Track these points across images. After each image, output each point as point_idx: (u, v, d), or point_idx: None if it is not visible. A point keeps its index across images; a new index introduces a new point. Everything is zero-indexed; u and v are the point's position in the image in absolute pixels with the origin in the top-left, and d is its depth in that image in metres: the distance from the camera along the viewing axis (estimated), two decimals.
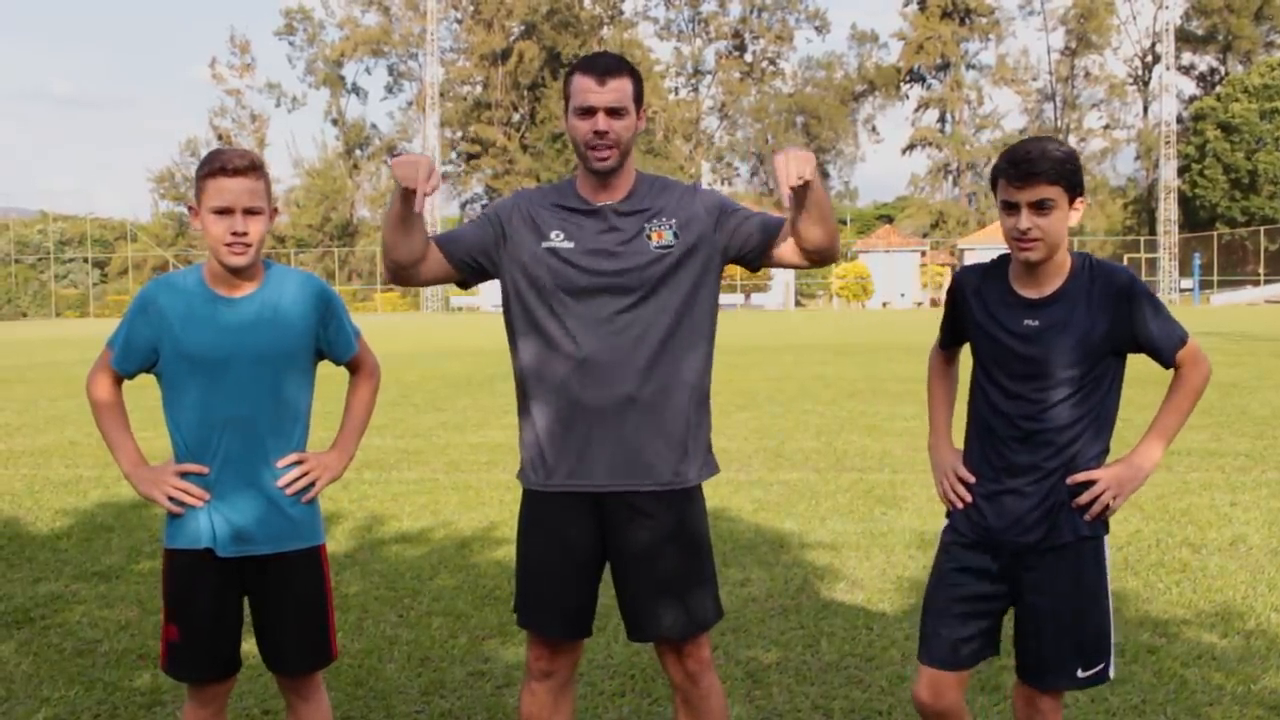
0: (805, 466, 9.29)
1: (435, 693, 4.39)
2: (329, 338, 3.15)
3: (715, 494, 7.79)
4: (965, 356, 3.24)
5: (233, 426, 3.00)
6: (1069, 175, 2.81)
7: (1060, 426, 2.90)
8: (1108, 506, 2.93)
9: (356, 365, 3.28)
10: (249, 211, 2.93)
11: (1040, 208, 2.80)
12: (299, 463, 3.09)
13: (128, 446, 3.13)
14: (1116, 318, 2.88)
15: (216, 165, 2.92)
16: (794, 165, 2.82)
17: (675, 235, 3.02)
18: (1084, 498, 2.91)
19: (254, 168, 2.94)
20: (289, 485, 3.06)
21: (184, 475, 3.03)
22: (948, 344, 3.26)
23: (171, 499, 3.02)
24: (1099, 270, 2.92)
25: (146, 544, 6.73)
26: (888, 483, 8.42)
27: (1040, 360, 2.88)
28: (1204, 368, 2.98)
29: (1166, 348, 2.93)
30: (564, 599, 3.10)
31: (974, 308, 3.03)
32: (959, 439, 3.18)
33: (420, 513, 7.64)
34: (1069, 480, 2.92)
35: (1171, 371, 3.01)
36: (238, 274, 3.01)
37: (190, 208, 3.02)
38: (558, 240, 3.02)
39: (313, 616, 3.14)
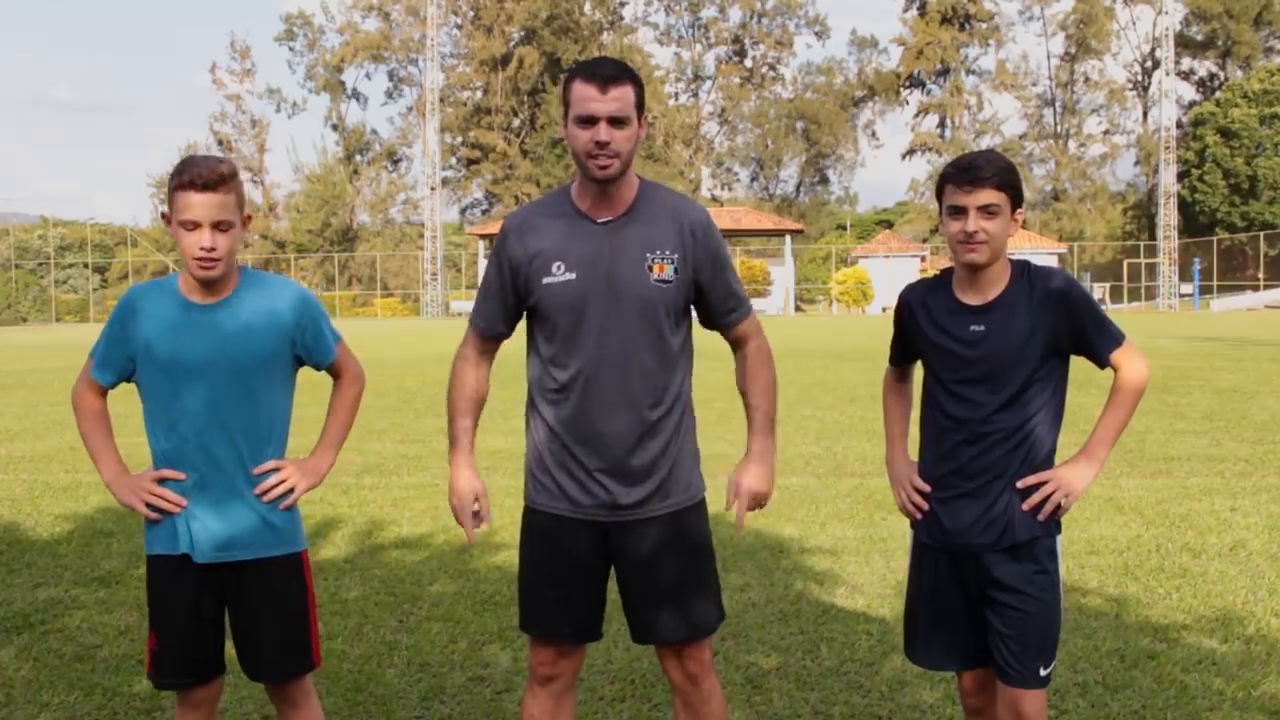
0: (805, 472, 9.29)
1: (435, 698, 4.39)
2: (307, 344, 3.14)
3: (715, 499, 7.78)
4: (918, 371, 3.31)
5: (210, 433, 3.00)
6: (1012, 184, 2.98)
7: (1010, 429, 3.00)
8: (1059, 506, 3.02)
9: (338, 371, 3.27)
10: (219, 227, 2.92)
11: (987, 212, 2.95)
12: (277, 470, 3.09)
13: (109, 456, 3.14)
14: (1056, 319, 2.99)
15: (185, 179, 2.89)
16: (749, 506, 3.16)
17: (675, 270, 3.01)
18: (1034, 499, 3.01)
19: (225, 181, 2.91)
20: (266, 492, 3.06)
21: (162, 482, 3.03)
22: (898, 361, 3.39)
23: (149, 505, 3.02)
24: (1037, 275, 3.06)
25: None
26: (888, 488, 8.36)
27: (987, 364, 3.00)
28: (1141, 367, 3.06)
29: (1101, 348, 3.03)
30: (570, 604, 3.10)
31: (921, 321, 3.16)
32: (914, 452, 3.27)
33: (420, 518, 7.64)
34: (1019, 483, 3.02)
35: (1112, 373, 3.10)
36: (211, 283, 3.01)
37: (164, 214, 3.02)
38: (559, 274, 2.99)
39: (293, 623, 3.13)
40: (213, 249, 2.91)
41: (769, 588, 5.78)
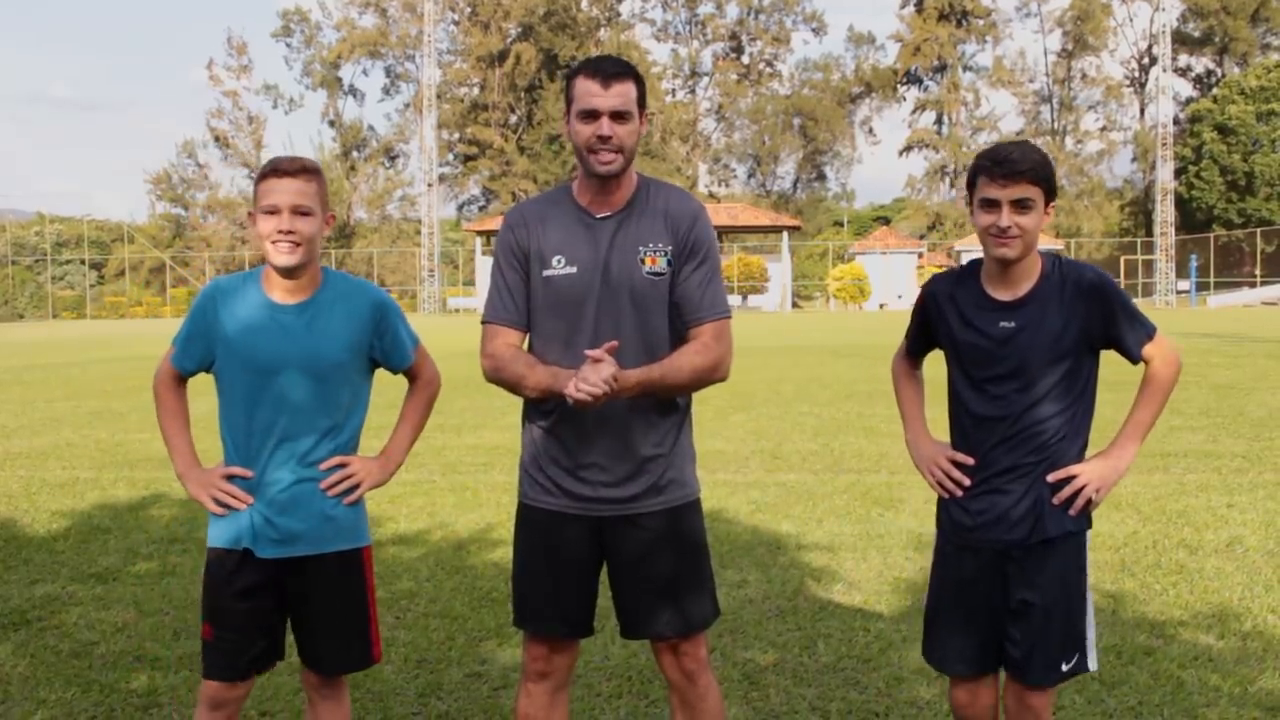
0: (802, 468, 9.29)
1: (432, 694, 4.39)
2: (384, 348, 3.19)
3: (712, 496, 7.79)
4: (934, 360, 3.26)
5: (281, 430, 3.04)
6: (1047, 178, 2.91)
7: (1040, 425, 2.95)
8: (1090, 500, 2.97)
9: (414, 374, 3.32)
10: (298, 211, 2.98)
11: (1021, 206, 2.88)
12: (343, 464, 3.11)
13: (184, 448, 3.18)
14: (1088, 315, 2.94)
15: (269, 168, 3.00)
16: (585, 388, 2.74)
17: (669, 263, 3.01)
18: (1065, 493, 2.96)
19: (305, 171, 3.01)
20: (332, 487, 3.08)
21: (230, 478, 3.06)
22: (915, 352, 3.31)
23: (216, 500, 3.06)
24: (1069, 269, 2.99)
25: (143, 546, 6.73)
26: (885, 484, 8.42)
27: (1018, 361, 2.93)
28: (1173, 361, 3.03)
29: (1134, 343, 2.98)
30: (563, 599, 3.10)
31: (948, 314, 3.08)
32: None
33: (417, 514, 7.64)
34: (1049, 477, 2.96)
35: (1142, 367, 3.06)
36: (291, 277, 3.04)
37: (250, 214, 3.09)
38: (559, 266, 3.00)
39: (354, 618, 3.17)
40: (291, 231, 2.96)
41: (766, 584, 5.78)
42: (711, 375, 3.02)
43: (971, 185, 2.95)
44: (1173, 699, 4.21)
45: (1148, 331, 2.97)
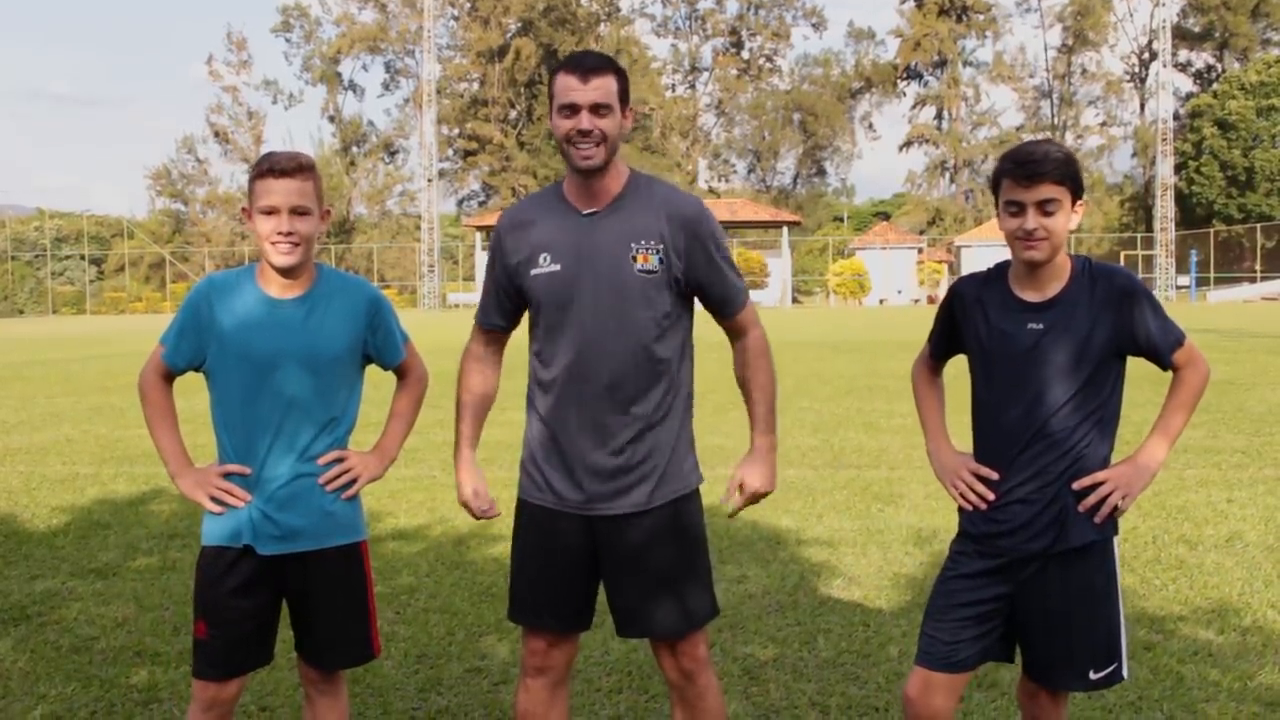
0: (802, 464, 9.29)
1: (432, 689, 4.39)
2: (377, 344, 3.19)
3: (712, 491, 7.77)
4: (956, 364, 3.20)
5: (276, 427, 3.03)
6: (1073, 176, 2.84)
7: (1065, 430, 2.87)
8: (1116, 507, 2.91)
9: (403, 371, 3.33)
10: (296, 211, 2.97)
11: (1046, 207, 2.81)
12: (341, 459, 3.11)
13: (173, 446, 3.15)
14: (1118, 319, 2.86)
15: (265, 167, 2.98)
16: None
17: (661, 260, 2.97)
18: (1091, 499, 2.89)
19: (302, 169, 2.99)
20: (330, 482, 3.08)
21: (227, 475, 3.05)
22: (938, 355, 3.23)
23: (214, 499, 3.05)
24: (1099, 272, 2.92)
25: (143, 541, 6.73)
26: (885, 480, 8.43)
27: (1044, 363, 2.86)
28: (1202, 367, 2.97)
29: (1164, 349, 2.91)
30: (560, 594, 3.10)
31: (975, 317, 3.00)
32: (961, 448, 3.13)
33: (417, 510, 7.64)
34: (1075, 484, 2.89)
35: (1170, 372, 3.00)
36: (288, 275, 3.04)
37: (244, 209, 3.07)
38: (545, 264, 3.01)
39: (354, 612, 3.17)
40: (290, 233, 2.96)
41: (766, 579, 5.78)
42: (770, 356, 3.32)
43: (996, 188, 2.89)
44: (1172, 694, 4.21)
45: (1178, 338, 2.92)
